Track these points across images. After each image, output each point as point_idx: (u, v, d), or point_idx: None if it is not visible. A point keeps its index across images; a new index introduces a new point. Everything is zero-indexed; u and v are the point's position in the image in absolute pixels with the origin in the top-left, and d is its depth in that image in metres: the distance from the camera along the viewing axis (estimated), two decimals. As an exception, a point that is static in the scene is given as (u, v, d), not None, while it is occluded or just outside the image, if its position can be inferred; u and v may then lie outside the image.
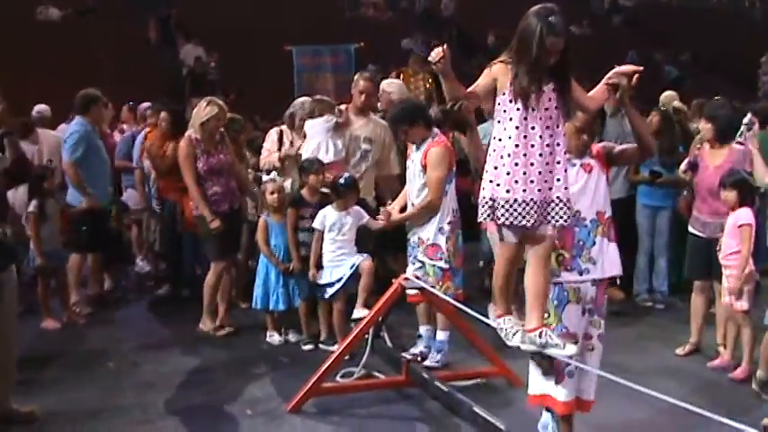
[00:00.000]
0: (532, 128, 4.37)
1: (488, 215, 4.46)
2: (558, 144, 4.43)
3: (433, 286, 6.86)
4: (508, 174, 4.38)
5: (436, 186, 7.02)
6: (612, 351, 5.76)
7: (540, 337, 4.55)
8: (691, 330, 7.82)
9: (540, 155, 4.38)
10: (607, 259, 5.25)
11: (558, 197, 4.45)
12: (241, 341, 8.27)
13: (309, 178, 7.97)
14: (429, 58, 4.27)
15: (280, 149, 8.65)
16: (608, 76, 4.68)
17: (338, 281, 7.61)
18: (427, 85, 11.84)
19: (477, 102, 4.74)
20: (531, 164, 4.38)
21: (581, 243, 5.18)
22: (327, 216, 7.68)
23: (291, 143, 8.67)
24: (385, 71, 13.03)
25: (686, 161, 7.86)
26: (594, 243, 5.21)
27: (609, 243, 5.26)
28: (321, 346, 7.89)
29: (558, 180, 4.44)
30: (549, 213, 4.46)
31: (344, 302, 7.65)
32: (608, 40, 23.78)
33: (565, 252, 5.17)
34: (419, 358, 7.21)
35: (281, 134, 8.79)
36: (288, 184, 8.42)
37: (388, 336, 7.32)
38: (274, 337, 8.17)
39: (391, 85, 9.23)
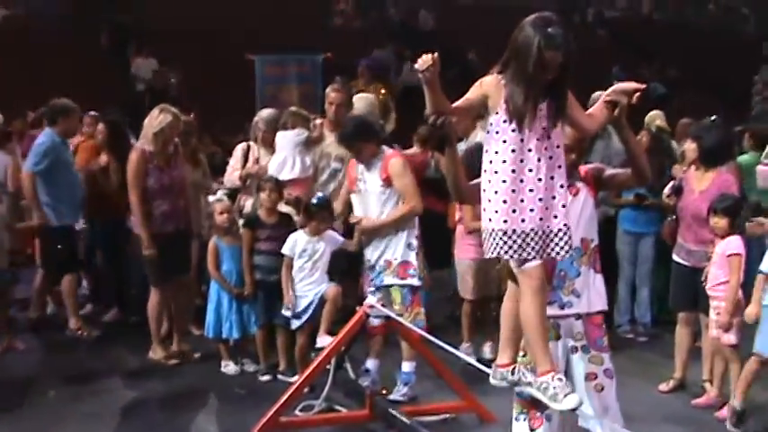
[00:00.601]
0: (529, 150, 4.17)
1: (492, 249, 4.24)
2: (560, 167, 4.24)
3: (400, 314, 6.82)
4: (504, 202, 4.18)
5: (414, 191, 7.12)
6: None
7: (552, 379, 4.21)
8: (675, 365, 7.80)
9: (540, 179, 4.18)
10: (593, 292, 5.10)
11: (562, 226, 4.25)
12: (194, 370, 8.20)
13: (261, 196, 7.93)
14: (416, 66, 4.06)
15: (245, 167, 8.63)
16: (606, 93, 4.54)
17: (304, 311, 7.54)
18: (380, 97, 11.86)
19: (464, 118, 4.59)
20: (530, 190, 4.17)
21: (562, 273, 5.03)
22: (298, 241, 7.53)
23: (257, 160, 8.62)
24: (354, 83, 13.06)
25: (670, 185, 7.85)
26: (579, 274, 5.06)
27: (595, 274, 5.13)
28: (280, 376, 7.84)
29: (564, 206, 4.24)
30: (549, 244, 4.24)
31: (308, 335, 7.59)
32: (592, 54, 23.94)
33: None
34: (383, 391, 7.16)
35: (246, 150, 8.75)
36: (249, 203, 8.38)
37: (352, 367, 7.29)
38: (229, 367, 8.10)
39: (359, 101, 9.20)
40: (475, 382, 6.45)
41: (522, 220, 4.16)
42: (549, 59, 4.04)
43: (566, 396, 4.12)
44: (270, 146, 8.59)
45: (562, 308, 5.04)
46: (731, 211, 6.96)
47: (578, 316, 5.08)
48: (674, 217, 7.90)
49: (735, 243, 6.93)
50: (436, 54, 4.07)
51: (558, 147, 4.22)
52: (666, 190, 7.84)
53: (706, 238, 7.25)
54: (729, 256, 6.89)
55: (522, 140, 4.16)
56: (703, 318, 7.36)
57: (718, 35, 29.35)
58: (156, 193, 8.13)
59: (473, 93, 4.30)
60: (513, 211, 4.17)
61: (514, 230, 4.17)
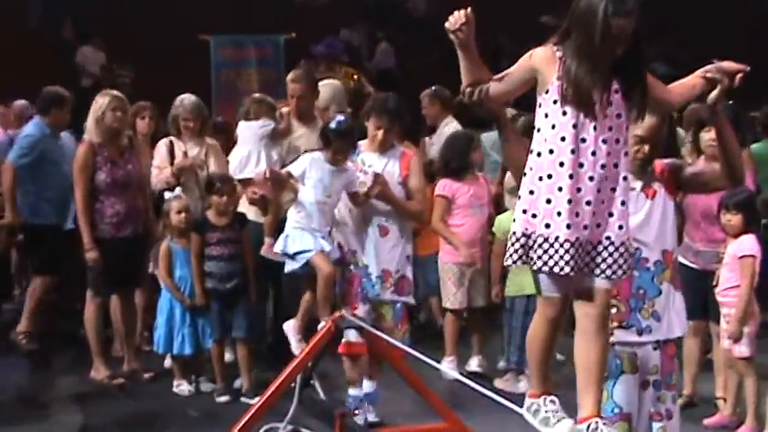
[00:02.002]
0: (583, 140, 3.88)
1: (520, 257, 3.99)
2: (616, 165, 3.94)
3: (389, 331, 6.75)
4: (548, 202, 3.89)
5: (425, 195, 7.23)
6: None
7: (588, 429, 3.98)
8: (684, 380, 7.74)
9: (591, 178, 3.89)
10: (674, 313, 4.86)
11: (608, 238, 3.96)
12: (143, 391, 8.20)
13: (212, 199, 7.90)
14: (446, 25, 3.89)
15: (173, 164, 8.51)
16: (706, 68, 4.17)
17: (300, 254, 6.81)
18: (352, 83, 11.84)
19: (505, 95, 4.14)
20: (578, 189, 3.88)
21: (642, 292, 4.75)
22: (314, 165, 6.78)
23: (185, 153, 8.55)
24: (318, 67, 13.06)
25: None
26: (660, 292, 4.77)
27: (675, 292, 4.87)
28: (243, 399, 7.83)
29: (612, 215, 3.95)
30: (594, 260, 3.96)
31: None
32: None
33: (620, 304, 4.72)
34: (355, 411, 7.16)
35: (171, 146, 8.62)
36: (176, 204, 8.21)
37: (320, 385, 7.28)
38: (182, 387, 8.10)
39: (324, 88, 8.98)
40: (459, 401, 6.48)
41: (568, 226, 3.87)
42: (619, 29, 3.79)
43: (558, 421, 4.03)
44: (197, 136, 8.59)
45: (640, 334, 4.79)
46: (745, 207, 6.90)
47: (657, 345, 4.85)
48: (680, 214, 7.89)
49: (748, 243, 6.88)
50: (469, 9, 3.92)
51: (618, 141, 3.94)
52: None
53: (717, 238, 7.28)
54: (742, 257, 6.86)
55: (574, 127, 3.88)
56: (714, 327, 7.36)
57: (733, 10, 29.43)
58: (109, 190, 8.12)
59: (519, 66, 4.04)
60: (559, 213, 3.87)
61: (557, 238, 3.88)
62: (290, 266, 6.91)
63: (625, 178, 3.97)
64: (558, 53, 3.92)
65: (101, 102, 8.14)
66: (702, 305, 7.42)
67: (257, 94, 9.00)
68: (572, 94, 3.85)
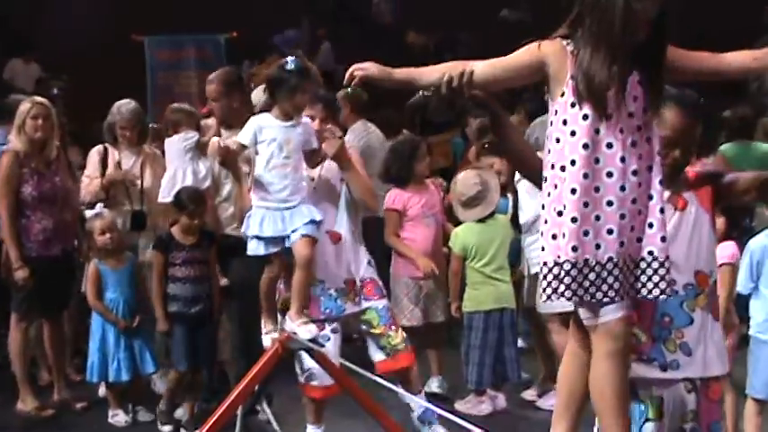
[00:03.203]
0: (609, 145, 3.69)
1: (555, 290, 3.76)
2: (651, 168, 3.77)
3: (384, 337, 6.82)
4: (574, 221, 3.68)
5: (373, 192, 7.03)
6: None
7: None
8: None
9: (623, 188, 3.70)
10: (711, 347, 4.38)
11: (650, 252, 3.78)
12: (76, 423, 8.20)
13: (181, 219, 7.71)
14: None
15: (104, 175, 8.44)
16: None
17: (269, 241, 6.16)
18: None
19: (495, 83, 3.90)
20: (609, 203, 3.69)
21: (666, 320, 4.31)
22: (263, 125, 6.14)
23: (119, 164, 8.50)
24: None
25: None
26: (691, 321, 4.33)
27: (713, 321, 4.42)
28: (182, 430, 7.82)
29: (651, 226, 3.78)
30: (637, 279, 3.80)
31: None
32: (552, 26, 24.09)
33: (640, 332, 4.29)
34: None
35: (104, 154, 8.56)
36: (120, 220, 8.27)
37: (269, 408, 7.23)
38: (119, 417, 8.09)
39: (257, 94, 8.69)
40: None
41: (598, 246, 3.69)
42: (642, 12, 3.61)
43: None
44: (134, 145, 8.54)
45: (664, 369, 4.33)
46: (728, 210, 6.80)
47: (691, 385, 4.37)
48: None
49: (727, 250, 6.87)
50: (357, 70, 3.92)
51: (649, 140, 3.78)
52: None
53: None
54: (720, 265, 6.79)
55: (597, 131, 3.69)
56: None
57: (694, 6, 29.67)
58: (36, 204, 8.12)
59: (522, 53, 3.83)
60: (586, 233, 3.68)
61: (587, 261, 3.69)
62: (251, 250, 6.26)
63: (662, 182, 3.79)
64: (569, 47, 3.74)
65: (21, 108, 8.14)
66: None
67: (174, 104, 8.74)
68: (587, 90, 3.66)
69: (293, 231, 6.07)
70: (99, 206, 8.17)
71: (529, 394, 8.56)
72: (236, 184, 7.49)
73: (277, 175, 6.08)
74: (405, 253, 8.38)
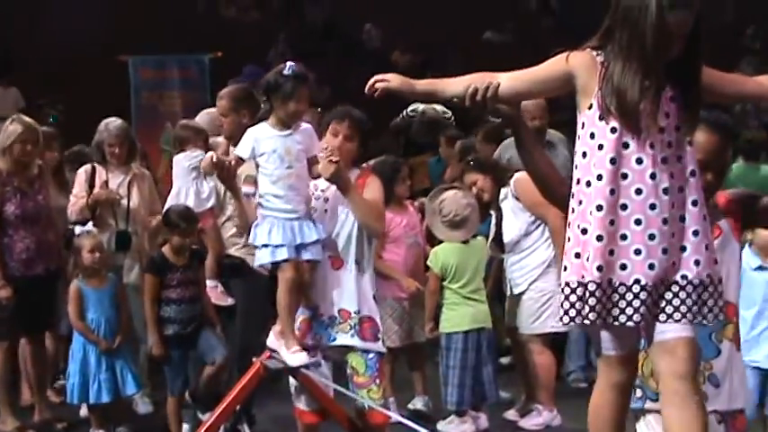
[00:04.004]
0: (639, 161, 3.55)
1: (579, 312, 3.62)
2: (682, 189, 3.61)
3: (366, 388, 6.18)
4: (599, 239, 3.55)
5: (382, 215, 6.51)
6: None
7: None
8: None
9: (653, 206, 3.56)
10: (736, 379, 4.28)
11: (684, 277, 3.61)
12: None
13: (173, 239, 7.56)
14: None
15: (91, 194, 8.34)
16: None
17: (279, 247, 5.96)
18: None
19: (520, 95, 3.87)
20: (637, 221, 3.55)
21: None
22: (261, 136, 5.98)
23: (106, 183, 8.41)
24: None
25: None
26: (719, 353, 4.20)
27: (737, 353, 4.32)
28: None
29: (684, 249, 3.62)
30: (669, 304, 3.63)
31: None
32: (535, 47, 24.14)
33: None
34: None
35: (92, 173, 8.48)
36: (105, 239, 8.17)
37: (249, 426, 7.19)
38: (100, 438, 8.02)
39: (201, 119, 8.68)
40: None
41: (623, 267, 3.56)
42: (675, 25, 3.47)
43: None
44: (123, 164, 8.47)
45: None
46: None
47: (720, 417, 4.23)
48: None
49: None
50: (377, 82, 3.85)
51: (681, 158, 3.63)
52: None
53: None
54: None
55: (625, 146, 3.56)
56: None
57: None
58: (18, 223, 8.04)
59: (549, 66, 3.73)
60: (611, 252, 3.55)
61: (609, 281, 3.56)
62: (260, 259, 6.07)
63: (695, 203, 3.62)
64: (599, 58, 3.62)
65: (11, 129, 8.07)
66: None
67: (184, 120, 8.71)
68: (616, 105, 3.52)
69: (302, 244, 5.90)
70: (89, 225, 8.12)
71: (511, 414, 8.50)
72: (235, 200, 7.08)
73: (283, 186, 5.91)
74: (388, 274, 8.31)
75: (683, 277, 3.61)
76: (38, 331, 8.41)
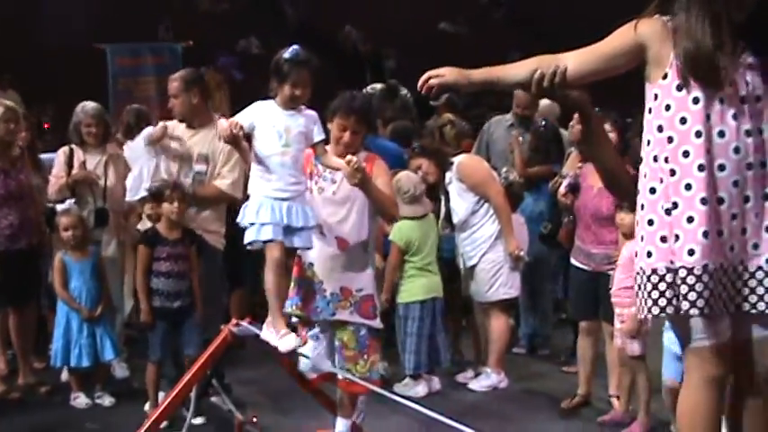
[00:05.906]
0: (721, 134, 3.19)
1: (669, 303, 3.26)
2: (764, 164, 3.22)
3: (352, 361, 6.30)
4: (690, 221, 3.18)
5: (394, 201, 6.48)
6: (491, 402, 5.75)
7: None
8: (578, 379, 7.90)
9: (735, 183, 3.18)
10: None
11: None
12: (40, 405, 8.14)
13: (163, 207, 7.46)
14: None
15: (70, 174, 8.38)
16: None
17: (265, 225, 5.73)
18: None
19: (589, 75, 3.46)
20: (720, 200, 3.18)
21: None
22: (263, 110, 5.84)
23: (84, 164, 8.44)
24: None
25: (566, 182, 7.89)
26: None
27: None
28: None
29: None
30: (748, 289, 3.25)
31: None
32: (487, 40, 24.19)
33: None
34: (254, 419, 6.85)
35: (70, 154, 8.49)
36: (85, 215, 8.18)
37: (222, 391, 7.10)
38: (80, 399, 8.04)
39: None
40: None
41: (711, 249, 3.17)
42: None
43: None
44: (99, 144, 8.51)
45: None
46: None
47: None
48: (572, 217, 7.98)
49: None
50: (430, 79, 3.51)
51: (762, 131, 3.24)
52: (562, 188, 7.90)
53: (607, 240, 7.40)
54: None
55: (708, 118, 3.17)
56: (607, 327, 7.45)
57: (625, 15, 29.81)
58: (2, 201, 8.07)
59: (616, 39, 3.36)
60: (705, 234, 3.16)
61: (705, 267, 3.16)
62: (247, 238, 5.82)
63: None
64: (671, 23, 3.25)
65: None
66: (594, 306, 7.57)
67: (133, 105, 8.73)
68: (693, 64, 3.14)
69: (290, 227, 5.74)
70: (68, 202, 8.06)
71: (462, 377, 8.65)
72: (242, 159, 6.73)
73: (274, 163, 5.74)
74: None
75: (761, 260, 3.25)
76: (22, 301, 8.42)
